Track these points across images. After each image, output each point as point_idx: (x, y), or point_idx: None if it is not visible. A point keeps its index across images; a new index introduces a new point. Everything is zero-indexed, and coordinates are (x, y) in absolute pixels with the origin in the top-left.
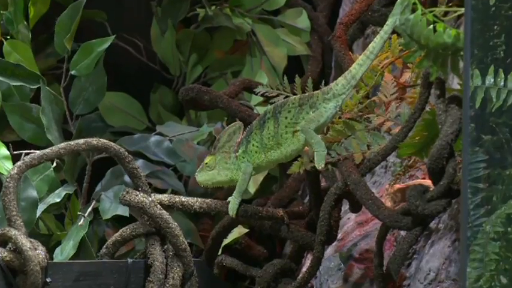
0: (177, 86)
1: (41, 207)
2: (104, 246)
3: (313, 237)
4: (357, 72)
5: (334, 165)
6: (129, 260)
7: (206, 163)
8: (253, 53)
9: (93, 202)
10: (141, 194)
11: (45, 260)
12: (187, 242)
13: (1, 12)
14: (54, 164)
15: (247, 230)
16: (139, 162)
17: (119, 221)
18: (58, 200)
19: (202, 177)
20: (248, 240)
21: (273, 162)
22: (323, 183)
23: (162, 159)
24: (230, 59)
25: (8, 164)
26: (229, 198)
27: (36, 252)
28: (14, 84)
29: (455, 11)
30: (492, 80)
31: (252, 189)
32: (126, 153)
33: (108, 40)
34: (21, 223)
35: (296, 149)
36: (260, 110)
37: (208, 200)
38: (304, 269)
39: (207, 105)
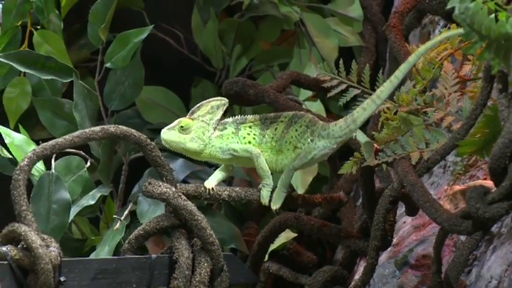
0: (220, 80)
1: (74, 210)
2: (127, 241)
3: (366, 242)
4: (359, 116)
5: (390, 165)
6: (153, 256)
7: (182, 126)
8: (302, 44)
9: (130, 204)
10: (165, 184)
11: (59, 258)
12: (231, 248)
13: (31, 0)
14: (88, 164)
15: (295, 235)
16: (179, 162)
17: None
18: (92, 203)
19: (171, 136)
20: (296, 246)
21: (263, 167)
22: (377, 184)
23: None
24: (277, 51)
25: (39, 164)
26: (260, 186)
27: (48, 249)
28: (45, 78)
29: None
30: None
31: (300, 191)
32: (148, 140)
33: (145, 30)
34: (32, 218)
35: (287, 165)
36: (309, 105)
37: (237, 189)
38: (356, 277)
39: (252, 100)
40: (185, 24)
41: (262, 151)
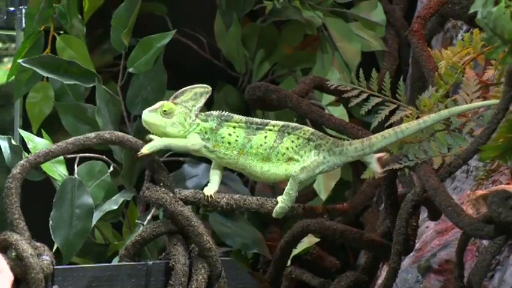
0: (242, 84)
1: (96, 215)
2: (123, 248)
3: (389, 247)
4: (376, 143)
5: (412, 169)
6: (149, 262)
7: (165, 109)
8: (325, 48)
9: (153, 209)
10: (162, 189)
11: (51, 267)
12: (254, 252)
13: (54, 5)
14: (111, 169)
15: (318, 240)
16: (202, 167)
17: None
18: (115, 207)
19: (153, 119)
20: (319, 251)
21: (241, 167)
22: (400, 189)
23: None
24: (300, 55)
25: (62, 169)
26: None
27: (40, 258)
28: (68, 82)
29: None
30: None
31: (323, 196)
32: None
33: (168, 35)
34: (25, 227)
35: (276, 176)
36: (332, 109)
37: (236, 196)
38: (379, 282)
39: (275, 104)
40: (208, 29)
41: (243, 154)
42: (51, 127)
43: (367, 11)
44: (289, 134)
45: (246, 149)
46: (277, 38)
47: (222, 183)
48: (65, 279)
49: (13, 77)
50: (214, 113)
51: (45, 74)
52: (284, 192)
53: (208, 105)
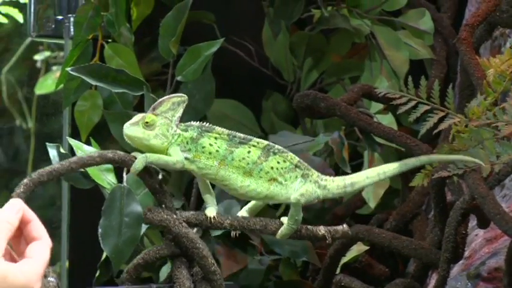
0: (291, 93)
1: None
2: (125, 271)
3: (438, 254)
4: (358, 181)
5: (461, 177)
6: (153, 285)
7: (147, 121)
8: (373, 57)
9: None
10: (166, 211)
11: None
12: (303, 260)
13: (102, 13)
14: (160, 177)
15: (367, 248)
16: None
17: (230, 238)
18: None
19: (135, 132)
20: (368, 259)
21: (220, 179)
22: (449, 197)
23: None
24: (348, 64)
25: (110, 177)
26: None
27: (46, 279)
28: (116, 91)
29: None
30: None
31: (372, 204)
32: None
33: (216, 43)
34: None
35: (256, 193)
36: (380, 118)
37: (240, 218)
38: None
39: (323, 113)
40: (256, 37)
41: (224, 165)
42: (100, 135)
43: (415, 19)
44: (275, 153)
45: (227, 161)
46: (325, 46)
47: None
48: None
49: (62, 86)
50: (194, 123)
51: (93, 83)
52: (289, 215)
53: (257, 114)
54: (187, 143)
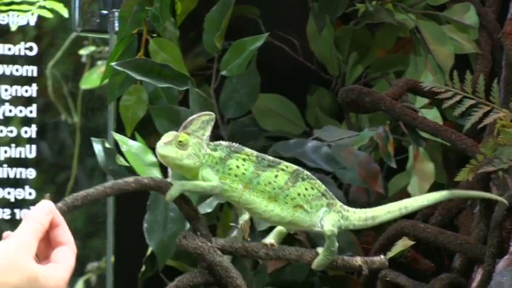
0: (336, 87)
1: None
2: None
3: (483, 249)
4: (379, 216)
5: (506, 172)
6: None
7: (180, 140)
8: (418, 51)
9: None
10: (200, 238)
11: None
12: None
13: (147, 8)
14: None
15: (413, 243)
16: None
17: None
18: (209, 210)
19: (169, 152)
20: (414, 253)
21: (244, 203)
22: (494, 192)
23: (320, 166)
24: (393, 58)
25: (156, 171)
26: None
27: None
28: (161, 86)
29: None
30: None
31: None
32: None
33: (261, 38)
34: None
35: (281, 218)
36: (425, 112)
37: (276, 247)
38: (474, 284)
39: (368, 107)
40: (301, 31)
41: (249, 189)
42: (145, 130)
43: (459, 13)
44: (303, 179)
45: (253, 185)
46: (370, 41)
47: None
48: None
49: (107, 80)
50: (224, 143)
51: (138, 77)
52: (325, 247)
53: (302, 108)
54: (216, 163)
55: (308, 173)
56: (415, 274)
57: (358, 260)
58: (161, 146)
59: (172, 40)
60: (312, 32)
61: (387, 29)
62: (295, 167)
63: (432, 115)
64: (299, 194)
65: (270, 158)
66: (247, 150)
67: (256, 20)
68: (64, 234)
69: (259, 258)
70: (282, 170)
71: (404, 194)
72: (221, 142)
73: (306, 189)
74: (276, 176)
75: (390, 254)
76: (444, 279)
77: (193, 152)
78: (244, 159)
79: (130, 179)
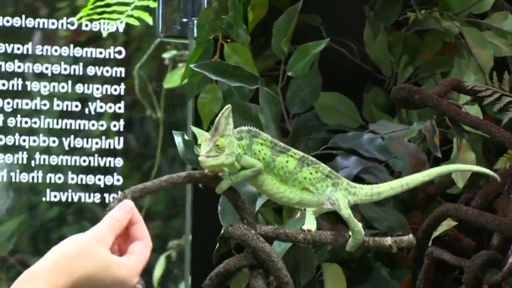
0: (388, 86)
1: (259, 202)
2: (208, 278)
3: None
4: (384, 191)
5: None
6: None
7: (218, 145)
8: (461, 54)
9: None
10: (245, 226)
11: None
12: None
13: (222, 17)
14: None
15: (456, 223)
16: (353, 159)
17: (333, 213)
18: (274, 206)
19: (212, 162)
20: (457, 233)
21: (259, 183)
22: None
23: (374, 156)
24: (439, 60)
25: None
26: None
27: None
28: (234, 85)
29: None
30: None
31: (460, 184)
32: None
33: (323, 43)
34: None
35: (289, 200)
36: (468, 108)
37: (313, 232)
38: (510, 260)
39: (417, 104)
40: (358, 37)
41: (266, 172)
42: None
43: (499, 21)
44: (308, 165)
45: (270, 168)
46: (419, 45)
47: (371, 173)
48: None
49: (186, 80)
50: (244, 128)
51: (214, 77)
52: (350, 231)
53: (359, 105)
54: (245, 150)
55: (313, 159)
56: (457, 251)
57: (388, 240)
58: (205, 161)
59: (244, 45)
60: (368, 37)
61: (434, 35)
62: (301, 153)
63: (474, 111)
64: (305, 178)
65: (281, 144)
66: (263, 134)
67: (319, 27)
68: (141, 230)
69: (298, 243)
70: (291, 156)
71: (449, 181)
72: (241, 128)
73: (311, 173)
74: (287, 162)
75: (436, 233)
76: (483, 256)
77: (230, 151)
78: (261, 144)
79: (184, 173)
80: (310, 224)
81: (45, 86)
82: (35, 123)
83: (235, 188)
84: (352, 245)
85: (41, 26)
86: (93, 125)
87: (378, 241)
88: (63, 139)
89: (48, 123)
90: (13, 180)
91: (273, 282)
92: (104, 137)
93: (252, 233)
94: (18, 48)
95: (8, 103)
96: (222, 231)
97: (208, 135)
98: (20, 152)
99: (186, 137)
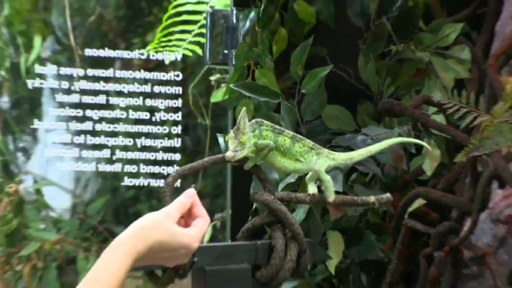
0: (376, 101)
1: (280, 186)
2: (240, 232)
3: (471, 206)
4: (354, 157)
5: (488, 155)
6: (258, 242)
7: (241, 142)
8: (430, 77)
9: (317, 182)
10: (266, 193)
11: None
12: (384, 210)
13: (253, 49)
14: None
15: (425, 202)
16: (360, 137)
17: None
18: (293, 181)
19: (239, 156)
20: (426, 209)
21: (269, 161)
22: (479, 169)
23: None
24: (414, 82)
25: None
26: (322, 186)
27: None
28: (262, 99)
29: None
30: None
31: (429, 172)
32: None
33: (327, 68)
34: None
35: (286, 169)
36: (435, 116)
37: (316, 194)
38: (465, 228)
39: (397, 113)
40: (354, 64)
41: (275, 150)
42: None
43: (458, 51)
44: (298, 141)
45: (275, 146)
46: (399, 70)
47: (362, 164)
48: (200, 254)
49: (227, 96)
50: (253, 121)
51: (247, 94)
52: (323, 184)
53: (354, 114)
54: (258, 138)
55: (300, 136)
56: (426, 222)
57: (372, 198)
58: (233, 155)
59: (269, 70)
60: (361, 64)
61: (410, 62)
62: (292, 133)
63: (439, 118)
64: (297, 152)
65: (277, 126)
66: (266, 122)
67: (325, 57)
68: (200, 210)
69: (305, 203)
70: (286, 135)
71: (420, 170)
72: (251, 122)
73: (300, 147)
74: (284, 140)
75: (410, 209)
76: (445, 225)
77: (250, 144)
78: (266, 130)
79: (221, 155)
80: (312, 189)
81: (122, 100)
82: (116, 128)
83: (258, 165)
84: (330, 194)
85: (120, 56)
86: (158, 129)
87: (365, 199)
88: (137, 139)
89: (125, 128)
90: (100, 170)
91: (288, 234)
92: (166, 138)
93: (271, 197)
94: (103, 73)
95: (96, 113)
96: (253, 207)
97: (232, 133)
98: (105, 149)
99: (226, 138)
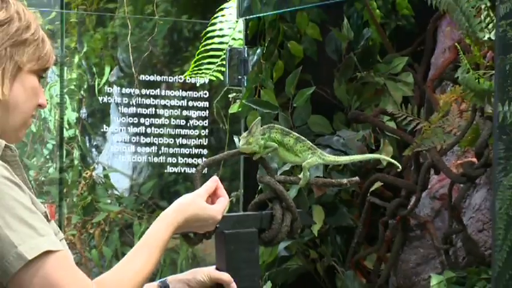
0: (346, 112)
1: (279, 172)
2: (249, 205)
3: (415, 187)
4: (340, 160)
5: (427, 151)
6: (263, 212)
7: (249, 141)
8: (385, 95)
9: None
10: (268, 177)
11: None
12: (353, 190)
13: (259, 75)
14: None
15: (382, 184)
16: (328, 151)
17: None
18: (287, 169)
19: (246, 148)
20: (382, 189)
21: (278, 154)
22: (421, 160)
23: (339, 149)
24: (373, 98)
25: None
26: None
27: None
28: (265, 111)
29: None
30: (507, 107)
31: (384, 163)
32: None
33: (311, 89)
34: None
35: (287, 160)
36: (389, 123)
37: (298, 178)
38: (411, 203)
39: (362, 121)
40: (330, 85)
41: (280, 147)
42: None
43: (405, 77)
44: (299, 142)
45: (282, 144)
46: (363, 90)
47: None
48: (220, 222)
49: (240, 109)
50: (265, 126)
51: (255, 107)
52: (302, 173)
53: (331, 122)
54: (267, 140)
55: (303, 138)
56: (383, 199)
57: (344, 180)
58: (241, 147)
59: (271, 90)
60: (336, 86)
61: (371, 84)
62: (297, 135)
63: (392, 124)
64: (297, 149)
65: (286, 129)
66: (276, 126)
67: (310, 80)
68: (222, 191)
69: (294, 183)
70: (291, 137)
71: (378, 162)
72: (264, 127)
73: (300, 147)
74: (289, 140)
75: (371, 189)
76: (397, 201)
77: (255, 143)
78: (275, 132)
79: (236, 150)
80: (304, 174)
81: (166, 112)
82: (161, 131)
83: (263, 157)
84: (303, 182)
85: (165, 80)
86: (191, 132)
87: (339, 181)
88: (176, 139)
89: (168, 131)
90: (150, 161)
91: (284, 206)
92: (197, 138)
93: (272, 180)
94: (152, 92)
95: (147, 120)
96: (259, 187)
97: (244, 134)
98: (153, 146)
99: (240, 139)
